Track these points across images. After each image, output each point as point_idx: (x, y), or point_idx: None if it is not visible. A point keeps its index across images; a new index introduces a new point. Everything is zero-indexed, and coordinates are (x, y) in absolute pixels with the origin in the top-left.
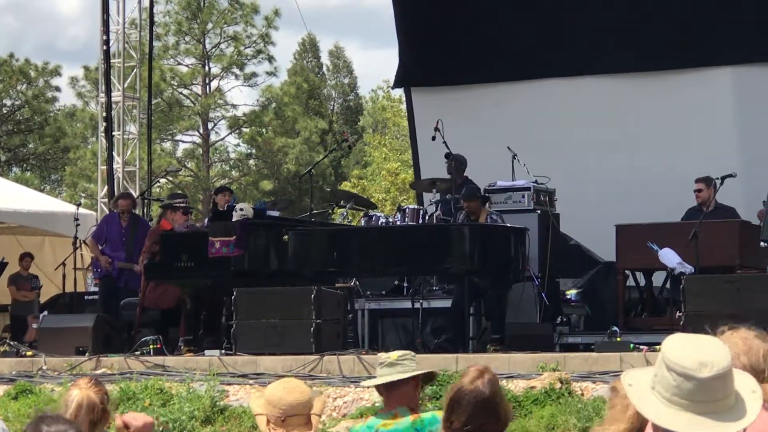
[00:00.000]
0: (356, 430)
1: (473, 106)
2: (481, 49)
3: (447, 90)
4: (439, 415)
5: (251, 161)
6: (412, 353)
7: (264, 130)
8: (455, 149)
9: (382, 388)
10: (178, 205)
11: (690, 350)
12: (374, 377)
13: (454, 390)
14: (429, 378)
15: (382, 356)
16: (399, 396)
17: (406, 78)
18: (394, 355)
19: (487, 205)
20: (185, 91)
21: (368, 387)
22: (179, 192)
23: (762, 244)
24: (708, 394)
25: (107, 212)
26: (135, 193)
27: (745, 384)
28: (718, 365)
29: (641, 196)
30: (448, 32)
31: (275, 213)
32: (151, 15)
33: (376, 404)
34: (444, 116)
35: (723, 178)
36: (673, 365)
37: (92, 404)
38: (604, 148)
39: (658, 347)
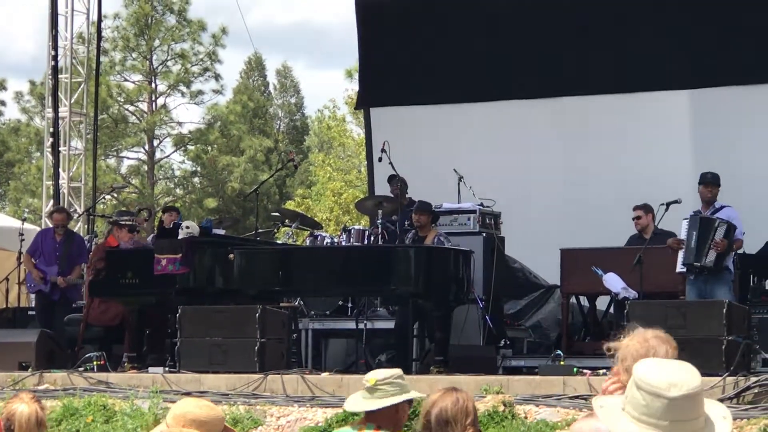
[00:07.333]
0: None
1: (422, 128)
2: (431, 71)
3: (398, 111)
4: None
5: (196, 179)
6: (399, 373)
7: (209, 148)
8: (403, 170)
9: None
10: (124, 222)
11: (660, 371)
12: (352, 399)
13: (436, 410)
14: None
15: (366, 377)
16: (373, 416)
17: (365, 98)
18: (373, 379)
19: (435, 225)
20: (131, 108)
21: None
22: (127, 209)
23: (680, 268)
24: (677, 414)
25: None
26: (80, 209)
27: (716, 410)
28: (687, 386)
29: (587, 220)
30: (406, 54)
31: (221, 231)
32: (99, 30)
33: (319, 424)
34: (395, 137)
35: (668, 204)
36: (643, 384)
37: (41, 419)
38: (551, 171)
39: (601, 371)
